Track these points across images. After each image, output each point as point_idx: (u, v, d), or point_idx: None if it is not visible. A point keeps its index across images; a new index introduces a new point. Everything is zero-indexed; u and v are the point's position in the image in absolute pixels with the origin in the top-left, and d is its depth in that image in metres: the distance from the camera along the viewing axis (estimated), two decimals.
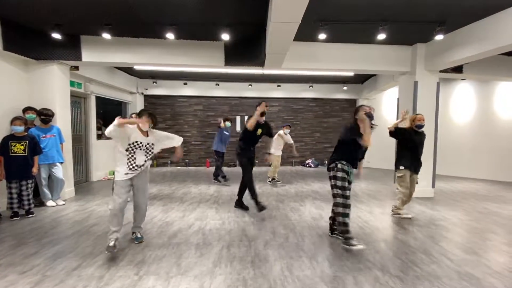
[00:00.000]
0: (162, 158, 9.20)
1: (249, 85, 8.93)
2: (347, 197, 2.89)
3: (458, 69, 5.54)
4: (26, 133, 4.01)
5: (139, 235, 3.10)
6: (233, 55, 4.98)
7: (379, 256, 2.79)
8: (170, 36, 4.31)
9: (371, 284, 2.28)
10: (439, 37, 4.24)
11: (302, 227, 3.61)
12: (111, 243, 2.70)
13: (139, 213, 3.08)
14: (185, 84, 8.81)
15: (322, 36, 4.32)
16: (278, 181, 6.49)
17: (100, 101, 7.26)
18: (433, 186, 5.39)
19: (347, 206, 2.89)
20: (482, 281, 2.36)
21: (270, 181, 6.45)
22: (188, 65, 5.22)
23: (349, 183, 2.98)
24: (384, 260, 2.70)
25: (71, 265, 2.56)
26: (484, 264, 2.66)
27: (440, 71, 5.39)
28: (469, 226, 3.72)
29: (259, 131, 4.26)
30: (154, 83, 8.68)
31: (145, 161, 2.91)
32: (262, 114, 4.12)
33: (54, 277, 2.35)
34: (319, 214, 4.15)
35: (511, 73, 5.70)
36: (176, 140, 3.11)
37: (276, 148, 6.22)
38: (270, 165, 6.49)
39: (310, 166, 9.34)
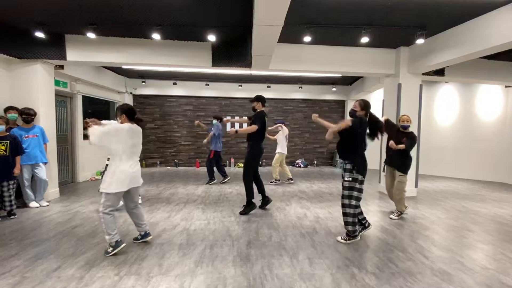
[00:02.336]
0: (150, 158, 9.15)
1: (239, 85, 8.96)
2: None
3: (440, 72, 5.71)
4: (7, 133, 3.94)
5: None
6: (220, 56, 5.00)
7: (358, 254, 2.87)
8: (156, 36, 4.30)
9: (348, 281, 2.35)
10: (420, 41, 4.37)
11: (286, 226, 3.68)
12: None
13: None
14: (174, 84, 8.77)
15: (307, 38, 4.39)
16: (277, 180, 6.51)
17: (88, 100, 7.18)
18: (416, 185, 5.54)
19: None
20: (453, 277, 2.47)
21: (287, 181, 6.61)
22: (175, 65, 5.21)
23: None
24: (362, 258, 2.79)
25: (51, 266, 2.54)
26: (458, 260, 2.77)
27: (423, 74, 5.55)
28: (447, 224, 3.86)
29: None
30: (143, 83, 8.61)
31: None
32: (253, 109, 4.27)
33: (33, 278, 2.34)
34: (303, 214, 4.22)
35: (490, 76, 5.92)
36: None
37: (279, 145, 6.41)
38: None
39: (300, 166, 9.44)
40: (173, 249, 2.93)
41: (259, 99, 4.21)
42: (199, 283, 2.30)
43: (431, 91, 8.10)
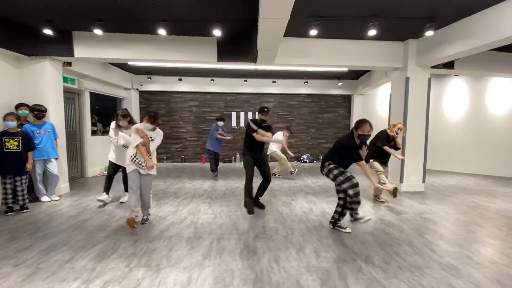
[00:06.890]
0: (157, 154, 9.21)
1: (244, 81, 8.94)
2: (349, 178, 3.09)
3: (449, 65, 5.59)
4: (19, 129, 4.03)
5: (144, 217, 3.60)
6: (225, 50, 4.99)
7: (365, 248, 2.87)
8: (161, 32, 4.31)
9: (354, 274, 2.36)
10: (429, 33, 4.28)
11: (292, 220, 3.69)
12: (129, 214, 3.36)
13: (143, 202, 3.54)
14: (180, 80, 8.79)
15: (313, 32, 4.34)
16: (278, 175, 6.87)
17: (95, 97, 7.26)
18: (423, 180, 5.48)
19: (355, 185, 3.06)
20: (461, 271, 2.45)
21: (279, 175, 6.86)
22: (181, 61, 5.23)
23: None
24: (369, 252, 2.79)
25: (64, 258, 2.62)
26: (466, 255, 2.75)
27: (432, 67, 5.44)
28: (455, 219, 3.82)
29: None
30: (149, 79, 8.66)
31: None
32: (262, 121, 4.05)
33: (46, 269, 2.42)
34: (309, 208, 4.23)
35: (502, 69, 5.77)
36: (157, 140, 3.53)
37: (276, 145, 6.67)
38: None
39: (305, 162, 9.42)
40: (181, 242, 2.98)
41: None
42: (207, 275, 2.34)
43: (440, 84, 7.95)
